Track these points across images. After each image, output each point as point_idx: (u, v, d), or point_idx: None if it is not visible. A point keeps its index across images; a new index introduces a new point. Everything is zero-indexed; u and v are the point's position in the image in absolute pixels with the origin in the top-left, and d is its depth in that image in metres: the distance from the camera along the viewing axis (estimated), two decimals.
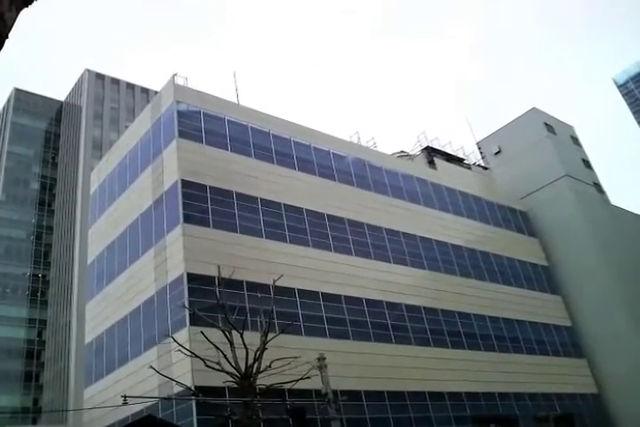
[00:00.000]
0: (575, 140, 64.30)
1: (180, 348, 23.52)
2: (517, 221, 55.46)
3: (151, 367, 25.22)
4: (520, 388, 42.32)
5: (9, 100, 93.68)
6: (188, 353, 23.74)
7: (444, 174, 51.64)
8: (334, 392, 20.36)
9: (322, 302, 35.13)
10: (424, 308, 40.63)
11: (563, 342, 49.60)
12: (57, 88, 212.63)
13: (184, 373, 27.57)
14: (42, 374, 78.27)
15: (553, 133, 60.49)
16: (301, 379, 22.14)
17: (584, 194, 57.00)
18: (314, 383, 21.58)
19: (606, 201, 61.14)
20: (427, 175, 49.68)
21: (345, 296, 36.46)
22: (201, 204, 33.61)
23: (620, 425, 46.65)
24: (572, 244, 53.43)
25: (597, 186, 61.12)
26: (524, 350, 45.63)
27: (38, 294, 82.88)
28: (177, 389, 26.65)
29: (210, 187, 34.30)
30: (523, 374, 42.97)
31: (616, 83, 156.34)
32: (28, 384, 77.43)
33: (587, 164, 62.64)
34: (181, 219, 32.33)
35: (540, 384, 43.58)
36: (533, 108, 61.77)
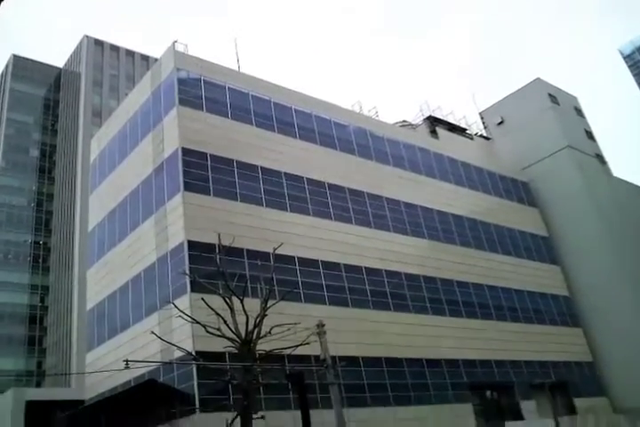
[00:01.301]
0: (578, 111, 63.81)
1: (181, 314, 23.76)
2: (519, 191, 55.45)
3: (152, 333, 25.53)
4: (516, 356, 42.90)
5: (7, 67, 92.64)
6: (189, 319, 24.01)
7: (447, 144, 51.44)
8: (333, 358, 20.68)
9: (321, 270, 35.39)
10: (423, 277, 40.94)
11: (560, 311, 50.13)
12: (56, 55, 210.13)
13: (185, 338, 27.94)
14: (45, 338, 79.34)
15: (556, 104, 60.01)
16: (300, 345, 22.44)
17: (586, 165, 56.83)
18: (313, 349, 21.90)
19: (608, 172, 60.99)
20: (429, 145, 49.48)
21: (344, 264, 36.71)
22: (201, 172, 33.57)
23: (611, 392, 47.45)
24: (572, 215, 53.53)
25: (599, 157, 60.89)
26: (521, 318, 46.14)
27: (40, 260, 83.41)
28: (178, 354, 27.05)
29: (210, 155, 34.21)
30: (519, 342, 43.55)
31: (622, 53, 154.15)
32: (31, 348, 78.58)
33: (589, 135, 62.30)
34: (182, 187, 32.34)
35: (536, 352, 44.19)
36: (537, 78, 61.13)
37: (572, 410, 43.02)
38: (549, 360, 45.28)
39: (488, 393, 41.60)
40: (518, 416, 40.25)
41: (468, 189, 49.91)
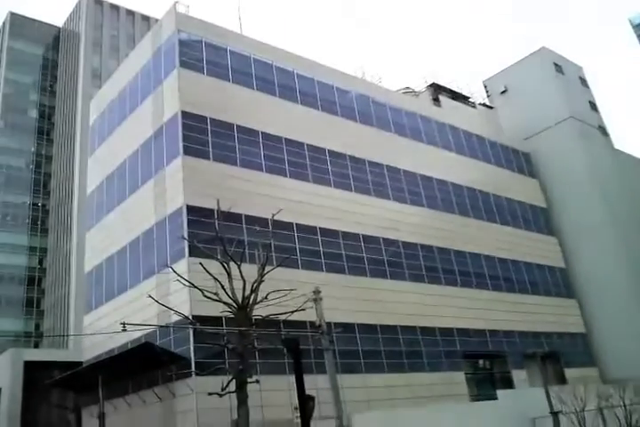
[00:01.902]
0: (583, 81, 63.04)
1: (179, 278, 23.85)
2: (519, 162, 55.18)
3: (149, 296, 25.66)
4: (510, 326, 43.33)
5: (4, 25, 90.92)
6: (187, 283, 24.11)
7: (449, 112, 50.95)
8: (328, 324, 20.86)
9: (319, 237, 35.41)
10: (420, 245, 41.03)
11: (555, 282, 50.45)
12: (54, 13, 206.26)
13: (182, 302, 28.10)
14: (43, 300, 79.99)
15: (561, 74, 59.27)
16: (296, 311, 22.60)
17: (588, 137, 56.40)
18: (309, 315, 22.05)
19: (610, 145, 60.59)
20: (431, 113, 48.98)
21: (342, 232, 36.73)
22: (201, 136, 33.25)
23: (602, 363, 48.09)
24: (572, 186, 53.38)
25: (602, 129, 60.42)
26: (516, 289, 46.47)
27: (38, 222, 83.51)
28: (175, 318, 27.23)
29: (210, 119, 33.84)
30: (514, 312, 43.92)
31: (632, 23, 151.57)
32: (29, 310, 79.29)
33: (593, 106, 61.68)
34: (181, 151, 32.08)
35: (529, 323, 44.63)
36: (543, 47, 60.21)
37: (562, 380, 43.67)
38: (543, 331, 45.75)
39: (481, 362, 42.18)
40: (509, 385, 40.85)
41: (468, 158, 49.63)
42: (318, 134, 38.76)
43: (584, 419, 24.92)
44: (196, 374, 26.43)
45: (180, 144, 32.19)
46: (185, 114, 32.96)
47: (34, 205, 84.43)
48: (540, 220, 53.08)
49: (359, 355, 33.79)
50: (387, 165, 42.02)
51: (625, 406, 25.07)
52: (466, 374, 39.36)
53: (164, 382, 30.04)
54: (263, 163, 35.14)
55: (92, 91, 65.84)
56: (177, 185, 31.99)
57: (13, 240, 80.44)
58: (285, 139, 36.74)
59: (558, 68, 59.31)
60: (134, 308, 32.51)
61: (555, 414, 25.61)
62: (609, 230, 51.30)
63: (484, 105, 59.22)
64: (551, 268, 50.83)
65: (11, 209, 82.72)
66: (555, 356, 45.41)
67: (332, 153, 38.94)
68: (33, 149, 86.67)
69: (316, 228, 35.51)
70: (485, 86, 62.55)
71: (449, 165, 47.04)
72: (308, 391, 18.99)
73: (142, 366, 30.28)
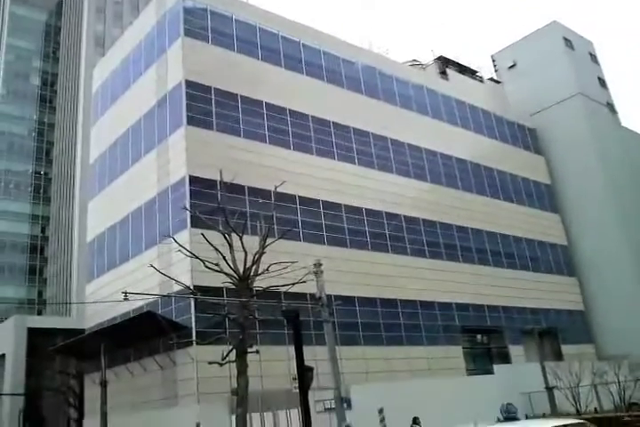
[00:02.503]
0: (593, 57, 62.17)
1: (181, 248, 23.89)
2: (525, 138, 54.77)
3: (151, 266, 25.72)
4: (509, 302, 43.55)
5: None
6: (189, 254, 24.15)
7: (456, 86, 50.36)
8: (328, 297, 20.92)
9: (321, 210, 35.39)
10: (423, 220, 41.00)
11: (556, 260, 50.53)
12: None
13: (183, 272, 28.22)
14: (45, 268, 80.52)
15: (571, 49, 58.41)
16: (297, 283, 22.67)
17: (596, 113, 55.86)
18: (309, 288, 22.13)
19: (618, 122, 60.06)
20: (437, 86, 48.40)
21: (345, 205, 36.68)
22: (205, 106, 32.96)
23: (599, 340, 48.40)
24: (577, 163, 53.04)
25: (610, 106, 59.79)
26: (517, 265, 46.55)
27: (41, 191, 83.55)
28: (176, 288, 27.36)
29: (214, 89, 33.50)
30: (514, 288, 44.07)
31: None
32: (32, 278, 79.90)
33: (602, 82, 60.94)
34: (184, 120, 31.84)
35: (529, 299, 44.84)
36: (553, 21, 59.22)
37: (559, 356, 44.05)
38: (541, 308, 45.99)
39: (479, 337, 42.47)
40: (506, 360, 41.27)
41: (474, 132, 49.26)
42: (323, 106, 38.40)
43: (578, 395, 25.18)
44: (197, 344, 26.68)
45: (184, 114, 31.93)
46: (189, 83, 32.63)
47: (36, 173, 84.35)
48: (543, 196, 52.92)
49: (358, 327, 34.05)
50: (391, 139, 41.73)
51: (619, 382, 25.30)
52: (463, 348, 39.71)
53: (165, 351, 30.36)
54: (267, 134, 34.91)
55: (95, 58, 65.05)
56: (180, 155, 31.86)
57: (16, 208, 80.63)
58: (290, 110, 36.41)
59: (568, 42, 58.44)
60: (136, 277, 32.68)
61: (549, 389, 25.89)
62: (613, 209, 51.13)
63: (491, 80, 58.55)
64: (553, 245, 50.87)
65: (13, 177, 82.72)
66: (552, 332, 45.78)
67: (336, 125, 38.65)
68: (35, 117, 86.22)
69: (318, 200, 35.47)
70: (493, 60, 61.76)
71: (454, 139, 46.70)
72: (307, 362, 19.15)
73: (144, 334, 30.56)
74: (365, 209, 37.73)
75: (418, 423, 23.36)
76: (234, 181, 25.39)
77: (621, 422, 14.13)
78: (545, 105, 55.98)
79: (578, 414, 23.15)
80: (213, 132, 32.76)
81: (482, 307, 41.78)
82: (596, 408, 25.38)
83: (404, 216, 39.86)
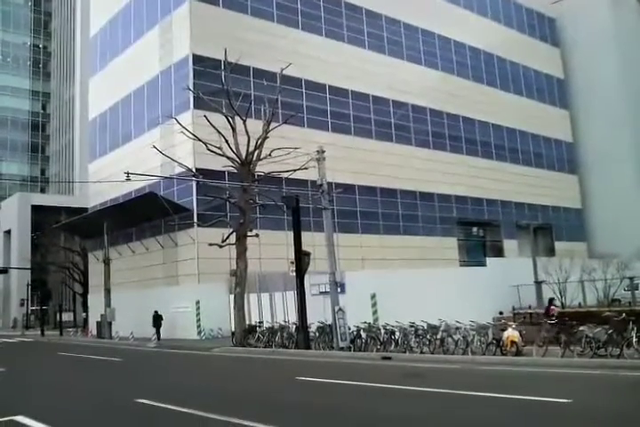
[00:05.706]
0: None
1: (183, 130, 23.54)
2: (543, 28, 52.25)
3: (154, 147, 25.49)
4: (508, 196, 43.79)
5: None
6: (191, 136, 23.85)
7: None
8: (329, 184, 20.88)
9: (327, 95, 34.60)
10: (430, 109, 40.22)
11: (560, 156, 50.16)
12: None
13: (185, 154, 28.11)
14: (47, 146, 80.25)
15: None
16: (299, 169, 22.55)
17: (622, 4, 52.78)
18: (310, 175, 22.04)
19: None
20: None
21: (352, 91, 35.83)
22: None
23: (593, 239, 49.05)
24: (594, 57, 50.86)
25: None
26: (520, 160, 46.31)
27: (40, 65, 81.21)
28: (178, 170, 27.34)
29: None
30: (514, 183, 44.11)
31: None
32: (34, 155, 79.86)
33: None
34: None
35: (528, 195, 45.06)
36: None
37: (551, 252, 44.99)
38: (539, 204, 46.34)
39: (474, 229, 43.16)
40: (500, 253, 42.21)
41: (490, 20, 46.92)
42: None
43: (565, 289, 25.91)
44: (198, 226, 27.15)
45: None
46: None
47: (34, 46, 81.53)
48: (554, 90, 51.45)
49: (357, 216, 34.55)
50: (404, 22, 39.91)
51: (606, 280, 25.94)
52: (458, 240, 40.56)
53: (166, 232, 30.99)
54: (275, 12, 33.38)
55: None
56: (184, 32, 30.65)
57: (15, 83, 78.74)
58: None
59: None
60: (138, 158, 32.59)
61: (538, 283, 26.58)
62: (622, 106, 49.77)
63: None
64: (558, 141, 50.24)
65: (10, 49, 79.98)
66: (547, 229, 46.48)
67: (347, 5, 36.85)
68: None
69: (325, 85, 34.58)
70: None
71: (469, 26, 44.57)
72: (304, 247, 19.52)
73: (146, 215, 31.04)
74: (373, 96, 36.87)
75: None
76: (239, 62, 24.45)
77: (602, 316, 14.68)
78: None
79: (562, 307, 23.99)
80: (220, 8, 31.34)
81: (480, 200, 42.10)
82: (579, 303, 26.25)
83: (412, 105, 39.06)
